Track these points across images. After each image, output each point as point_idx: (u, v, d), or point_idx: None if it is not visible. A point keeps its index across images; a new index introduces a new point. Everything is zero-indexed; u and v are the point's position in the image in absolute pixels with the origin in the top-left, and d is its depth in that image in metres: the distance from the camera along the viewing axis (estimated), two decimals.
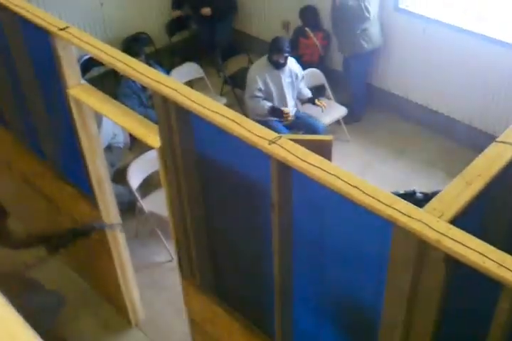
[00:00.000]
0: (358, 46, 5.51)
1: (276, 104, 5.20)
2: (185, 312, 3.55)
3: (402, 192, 3.41)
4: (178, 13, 6.48)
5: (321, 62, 6.01)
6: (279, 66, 5.10)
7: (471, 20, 5.02)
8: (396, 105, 5.94)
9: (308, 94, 5.41)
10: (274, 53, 5.06)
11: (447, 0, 5.12)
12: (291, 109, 5.25)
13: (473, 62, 5.12)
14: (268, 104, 5.14)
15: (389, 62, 5.78)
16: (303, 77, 5.38)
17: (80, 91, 3.14)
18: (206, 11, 6.25)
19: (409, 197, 3.36)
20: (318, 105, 5.28)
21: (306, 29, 5.87)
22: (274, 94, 5.17)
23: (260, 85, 5.10)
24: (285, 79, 5.18)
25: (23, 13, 3.09)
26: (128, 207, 4.62)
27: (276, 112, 5.14)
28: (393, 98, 5.93)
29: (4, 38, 3.48)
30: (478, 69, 5.11)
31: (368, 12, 5.29)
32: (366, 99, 6.00)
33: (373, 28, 5.46)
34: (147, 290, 4.38)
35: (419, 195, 3.43)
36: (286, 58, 5.11)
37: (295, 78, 5.26)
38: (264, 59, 5.19)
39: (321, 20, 5.99)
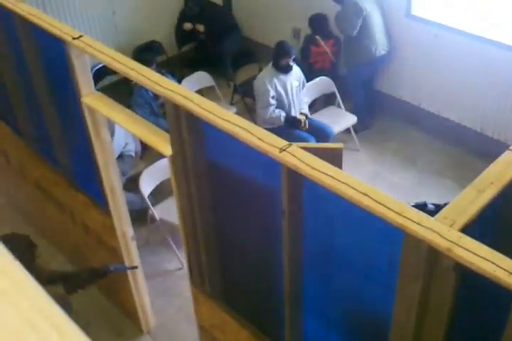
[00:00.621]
0: (351, 59, 5.60)
1: (286, 108, 5.22)
2: (195, 319, 3.56)
3: (412, 204, 3.39)
4: (189, 26, 6.52)
5: (333, 69, 6.02)
6: (288, 69, 5.11)
7: (483, 27, 5.02)
8: (407, 113, 5.93)
9: (304, 110, 5.39)
10: (282, 57, 5.06)
11: (459, 6, 5.12)
12: (298, 113, 5.27)
13: (485, 69, 5.11)
14: (283, 114, 5.16)
15: (400, 69, 5.78)
16: (304, 85, 5.38)
17: (93, 100, 3.17)
18: (188, 26, 6.42)
19: (420, 208, 3.34)
20: (299, 120, 5.24)
21: (317, 37, 5.88)
22: (285, 99, 5.19)
23: (273, 93, 5.11)
24: (293, 83, 5.19)
25: (38, 22, 3.13)
26: (139, 215, 4.64)
27: (293, 121, 5.17)
28: (404, 106, 5.93)
29: (19, 47, 3.52)
30: (491, 76, 5.10)
31: (354, 29, 5.37)
32: (372, 106, 5.99)
33: (367, 42, 5.50)
34: (158, 297, 4.39)
35: (430, 206, 3.41)
36: (293, 61, 5.13)
37: (300, 82, 5.28)
38: (268, 67, 5.20)
39: (331, 27, 6.01)
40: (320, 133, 5.25)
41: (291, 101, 5.22)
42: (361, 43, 5.50)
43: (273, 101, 5.14)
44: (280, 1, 6.41)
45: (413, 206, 3.30)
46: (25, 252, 3.14)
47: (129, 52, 6.12)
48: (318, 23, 5.98)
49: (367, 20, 5.39)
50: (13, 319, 0.83)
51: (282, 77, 5.13)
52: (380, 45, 5.53)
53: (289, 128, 5.11)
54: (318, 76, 5.60)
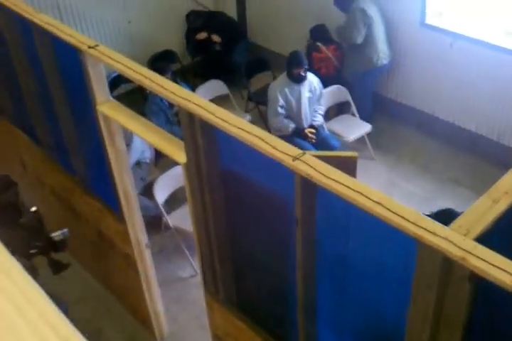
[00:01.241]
0: (352, 67, 5.63)
1: (296, 118, 5.22)
2: (208, 326, 3.55)
3: (427, 213, 3.38)
4: (203, 35, 6.56)
5: (338, 74, 6.03)
6: (300, 80, 5.11)
7: (498, 35, 4.99)
8: (422, 122, 5.91)
9: (318, 122, 5.38)
10: (294, 67, 5.08)
11: (474, 15, 5.10)
12: (306, 126, 5.26)
13: (501, 78, 5.08)
14: (292, 126, 5.17)
15: (415, 78, 5.76)
16: (321, 95, 5.36)
17: (108, 108, 3.20)
18: (202, 35, 6.45)
19: (446, 215, 3.34)
20: (306, 134, 5.24)
21: (318, 44, 5.90)
22: (295, 109, 5.19)
23: (282, 102, 5.12)
24: (305, 94, 5.19)
25: (55, 31, 3.17)
26: (154, 222, 4.67)
27: (301, 133, 5.18)
28: (419, 114, 5.91)
29: (36, 56, 3.56)
30: (507, 85, 5.07)
31: (361, 36, 5.38)
32: (370, 112, 5.98)
33: (368, 50, 5.51)
34: (172, 304, 4.40)
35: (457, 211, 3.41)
36: (305, 71, 5.12)
37: (314, 93, 5.27)
38: (283, 76, 5.23)
39: (331, 35, 6.05)
40: (324, 144, 5.24)
41: (303, 112, 5.23)
42: (363, 52, 5.51)
43: (281, 111, 5.15)
44: (294, 9, 6.44)
45: (438, 212, 3.30)
46: (7, 190, 3.19)
47: (144, 61, 6.16)
48: (318, 32, 6.02)
49: (370, 28, 5.41)
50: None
51: (294, 86, 5.14)
52: (382, 54, 5.54)
53: (294, 138, 5.10)
54: (324, 82, 5.58)
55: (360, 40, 5.42)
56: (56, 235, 3.37)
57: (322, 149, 5.11)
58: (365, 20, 5.35)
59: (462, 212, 3.25)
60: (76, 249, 4.69)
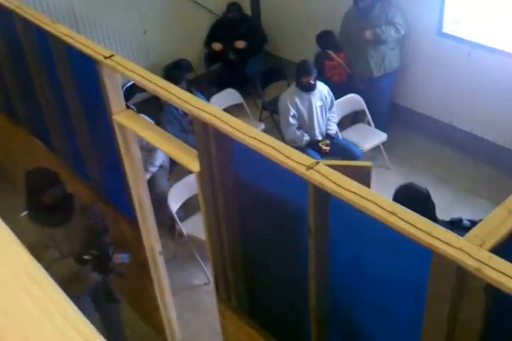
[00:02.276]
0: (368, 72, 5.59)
1: (308, 128, 5.21)
2: (221, 334, 3.55)
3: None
4: (219, 46, 6.59)
5: (351, 81, 6.03)
6: (309, 88, 5.11)
7: None
8: (439, 131, 5.87)
9: (332, 130, 5.37)
10: (303, 75, 5.08)
11: (492, 24, 5.08)
12: (319, 135, 5.25)
13: None
14: (306, 139, 5.17)
15: (433, 87, 5.73)
16: (333, 103, 5.36)
17: (124, 117, 3.22)
18: (217, 46, 6.48)
19: (455, 224, 3.31)
20: (320, 147, 5.22)
21: (329, 51, 5.90)
22: (306, 119, 5.19)
23: (293, 111, 5.13)
24: (316, 103, 5.19)
25: (72, 42, 3.21)
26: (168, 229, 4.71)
27: (315, 145, 5.17)
28: (437, 124, 5.87)
29: (53, 66, 3.60)
30: None
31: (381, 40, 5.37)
32: (388, 119, 5.96)
33: (391, 53, 5.51)
34: (185, 312, 4.40)
35: (466, 222, 3.37)
36: (315, 79, 5.13)
37: (325, 102, 5.27)
38: (292, 86, 5.24)
39: (338, 41, 6.06)
40: (347, 154, 5.23)
41: (315, 121, 5.22)
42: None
43: (293, 121, 5.14)
44: (309, 19, 6.45)
45: (448, 221, 3.27)
46: (54, 186, 3.13)
47: (159, 70, 6.20)
48: (325, 39, 6.02)
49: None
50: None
51: (304, 95, 5.14)
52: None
53: (307, 149, 5.08)
54: (338, 90, 5.57)
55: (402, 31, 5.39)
56: (116, 257, 3.37)
57: (345, 158, 5.10)
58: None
59: (473, 221, 3.24)
60: None
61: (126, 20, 6.08)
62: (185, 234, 4.61)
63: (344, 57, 5.95)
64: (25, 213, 3.25)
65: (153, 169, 4.87)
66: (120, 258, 3.40)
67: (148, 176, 4.71)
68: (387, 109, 5.95)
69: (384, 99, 5.88)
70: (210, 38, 6.69)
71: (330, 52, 5.89)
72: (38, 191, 3.13)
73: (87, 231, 3.28)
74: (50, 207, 3.17)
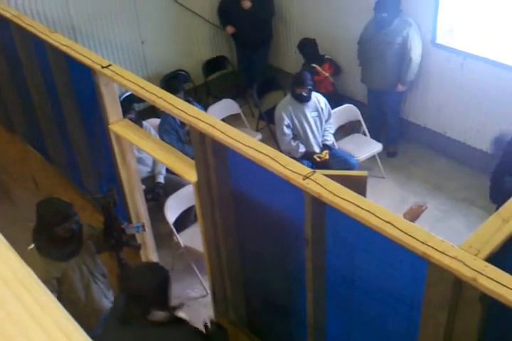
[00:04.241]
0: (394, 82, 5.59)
1: (303, 138, 5.22)
2: None
3: None
4: (231, 29, 6.56)
5: (335, 90, 6.07)
6: (303, 99, 5.14)
7: (509, 55, 5.00)
8: (433, 141, 5.90)
9: (329, 141, 5.39)
10: (297, 86, 5.11)
11: (485, 34, 5.12)
12: (315, 145, 5.26)
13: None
14: (302, 150, 5.19)
15: (426, 97, 5.76)
16: (330, 114, 5.37)
17: (120, 127, 3.23)
18: (247, 4, 6.30)
19: None
20: (315, 158, 5.23)
21: (314, 65, 5.92)
22: (300, 129, 5.21)
23: (288, 121, 5.15)
24: (310, 114, 5.21)
25: (69, 51, 3.22)
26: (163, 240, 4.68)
27: (310, 157, 5.18)
28: (430, 134, 5.89)
29: (50, 75, 3.61)
30: None
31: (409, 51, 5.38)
32: (399, 134, 6.01)
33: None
34: None
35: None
36: (309, 91, 5.15)
37: (322, 113, 5.29)
38: (288, 96, 5.26)
39: (321, 51, 6.10)
40: (344, 164, 5.24)
41: (309, 132, 5.24)
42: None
43: (288, 131, 5.16)
44: (306, 30, 6.49)
45: None
46: (68, 220, 2.97)
47: (157, 80, 6.22)
48: (308, 48, 6.05)
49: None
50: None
51: (299, 106, 5.16)
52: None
53: (303, 161, 5.08)
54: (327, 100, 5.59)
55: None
56: (129, 228, 3.26)
57: (342, 168, 5.10)
58: None
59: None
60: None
61: (124, 30, 6.11)
62: (182, 245, 4.60)
63: (328, 68, 6.02)
64: (32, 246, 3.07)
65: (162, 179, 4.87)
66: (133, 228, 3.29)
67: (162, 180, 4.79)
68: (398, 123, 5.99)
69: (393, 113, 5.92)
70: (223, 17, 6.62)
71: (315, 66, 5.91)
72: (53, 224, 2.98)
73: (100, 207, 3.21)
74: (60, 240, 3.04)
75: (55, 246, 3.04)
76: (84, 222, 3.25)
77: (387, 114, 5.91)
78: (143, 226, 3.32)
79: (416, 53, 5.39)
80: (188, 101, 4.85)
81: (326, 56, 6.12)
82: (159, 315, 2.63)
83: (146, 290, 2.59)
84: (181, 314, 2.82)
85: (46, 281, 2.95)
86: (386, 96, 5.73)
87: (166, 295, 2.66)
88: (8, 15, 3.77)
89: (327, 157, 5.24)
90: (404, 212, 3.33)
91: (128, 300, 2.62)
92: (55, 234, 2.99)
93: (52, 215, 2.97)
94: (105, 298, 3.31)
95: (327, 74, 5.99)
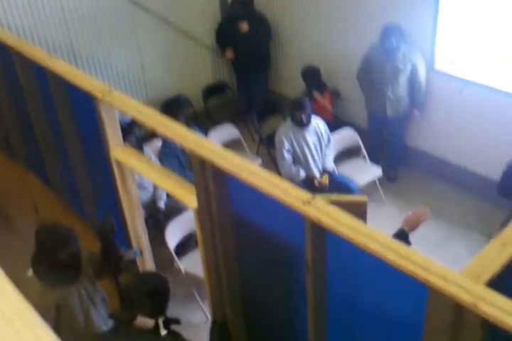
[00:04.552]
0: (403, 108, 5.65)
1: (303, 163, 5.24)
2: None
3: None
4: (231, 53, 6.62)
5: (334, 119, 6.09)
6: (303, 124, 5.16)
7: (507, 81, 5.05)
8: (433, 166, 5.91)
9: (329, 167, 5.40)
10: (297, 111, 5.14)
11: (482, 62, 5.18)
12: (315, 170, 5.27)
13: (510, 123, 5.11)
14: (302, 175, 5.20)
15: (425, 122, 5.80)
16: (330, 139, 5.40)
17: (121, 153, 3.24)
18: (244, 26, 6.35)
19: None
20: (314, 184, 5.22)
21: (314, 93, 5.95)
22: (300, 154, 5.23)
23: (288, 146, 5.17)
24: (310, 138, 5.23)
25: (70, 77, 3.25)
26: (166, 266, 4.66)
27: (310, 183, 5.19)
28: (430, 159, 5.91)
29: (51, 101, 3.64)
30: None
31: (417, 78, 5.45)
32: (400, 159, 6.04)
33: (406, 97, 5.60)
34: None
35: None
36: (309, 116, 5.18)
37: (321, 138, 5.31)
38: (288, 121, 5.29)
39: (323, 78, 6.13)
40: (344, 189, 5.24)
41: (310, 157, 5.25)
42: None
43: (288, 156, 5.18)
44: (306, 55, 6.56)
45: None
46: (68, 245, 2.96)
47: (157, 105, 6.26)
48: (310, 75, 6.09)
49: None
50: None
51: (298, 130, 5.19)
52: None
53: (303, 187, 5.08)
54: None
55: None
56: (127, 253, 3.30)
57: (342, 193, 5.10)
58: None
59: None
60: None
61: (125, 55, 6.18)
62: (183, 271, 4.58)
63: (328, 97, 6.05)
64: (30, 273, 3.06)
65: (162, 205, 4.87)
66: (131, 253, 3.33)
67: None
68: (401, 150, 6.02)
69: (398, 139, 5.95)
70: (221, 41, 6.70)
71: (315, 93, 5.95)
72: (55, 249, 2.96)
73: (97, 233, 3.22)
74: (61, 265, 3.01)
75: (56, 271, 3.02)
76: (83, 248, 3.25)
77: (391, 140, 5.94)
78: (140, 251, 3.34)
79: (424, 77, 5.45)
80: (189, 126, 4.89)
81: (327, 85, 6.14)
82: (145, 322, 2.72)
83: (134, 294, 2.72)
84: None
85: (45, 309, 2.94)
86: (393, 123, 5.76)
87: (155, 303, 2.74)
88: (9, 42, 3.82)
89: (327, 182, 5.25)
90: (404, 219, 3.32)
91: (120, 304, 2.69)
92: (57, 258, 2.97)
93: (54, 240, 2.97)
94: (105, 325, 3.28)
95: (326, 103, 6.02)
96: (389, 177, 5.98)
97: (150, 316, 2.74)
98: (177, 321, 2.92)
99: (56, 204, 4.38)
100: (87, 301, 3.16)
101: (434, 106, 5.65)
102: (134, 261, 3.47)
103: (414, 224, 3.37)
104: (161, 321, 2.77)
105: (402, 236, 3.29)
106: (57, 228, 3.08)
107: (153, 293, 2.74)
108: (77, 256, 3.05)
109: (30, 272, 3.03)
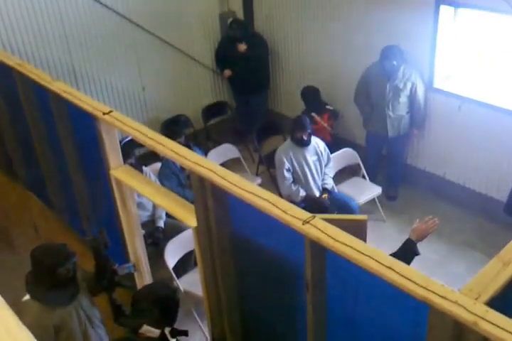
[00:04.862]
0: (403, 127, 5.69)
1: (303, 182, 5.24)
2: None
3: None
4: (229, 72, 6.68)
5: (333, 141, 6.10)
6: (303, 143, 5.18)
7: (505, 98, 5.08)
8: (432, 184, 5.93)
9: (328, 185, 5.42)
10: (298, 130, 5.16)
11: (480, 80, 5.22)
12: (315, 189, 5.27)
13: (509, 140, 5.13)
14: (302, 195, 5.21)
15: (425, 140, 5.83)
16: (329, 158, 5.42)
17: (121, 173, 3.26)
18: (242, 47, 6.43)
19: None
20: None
21: (313, 114, 5.97)
22: (300, 173, 5.24)
23: (288, 165, 5.18)
24: (310, 157, 5.25)
25: (71, 98, 3.28)
26: None
27: (310, 202, 5.19)
28: (429, 177, 5.93)
29: (52, 121, 3.66)
30: None
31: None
32: (401, 177, 6.05)
33: (406, 116, 5.65)
34: None
35: None
36: (309, 135, 5.20)
37: (321, 157, 5.33)
38: (288, 140, 5.32)
39: (323, 98, 6.18)
40: (344, 207, 5.24)
41: (310, 176, 5.26)
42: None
43: (288, 175, 5.19)
44: (305, 75, 6.61)
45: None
46: (67, 262, 2.96)
47: (157, 125, 6.30)
48: (310, 95, 6.12)
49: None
50: None
51: (299, 150, 5.21)
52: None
53: (301, 205, 5.08)
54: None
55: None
56: (122, 268, 3.30)
57: (343, 212, 5.09)
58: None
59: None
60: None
61: (125, 76, 6.22)
62: (182, 290, 4.56)
63: (327, 118, 6.08)
64: (26, 297, 3.03)
65: (162, 224, 4.87)
66: (125, 268, 3.33)
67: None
68: (402, 168, 6.04)
69: (398, 158, 5.98)
70: (220, 62, 6.77)
71: (314, 115, 5.97)
72: (55, 266, 2.94)
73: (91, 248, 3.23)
74: (62, 283, 3.00)
75: (56, 290, 3.01)
76: (81, 267, 3.25)
77: (391, 158, 5.96)
78: (134, 266, 3.35)
79: (423, 97, 5.52)
80: (189, 146, 4.90)
81: (327, 106, 6.18)
82: (150, 331, 2.75)
83: (143, 302, 2.74)
84: None
85: (44, 331, 2.93)
86: (393, 141, 5.79)
87: (164, 313, 2.77)
88: (11, 63, 3.85)
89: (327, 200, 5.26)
90: (412, 229, 3.38)
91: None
92: (58, 276, 2.96)
93: (54, 257, 2.96)
94: None
95: (325, 125, 6.04)
96: (389, 196, 5.99)
97: (157, 326, 2.76)
98: (185, 333, 2.92)
99: (55, 223, 4.37)
100: (85, 320, 3.15)
101: (433, 123, 5.69)
102: (130, 276, 3.46)
103: (421, 234, 3.39)
104: (167, 331, 2.79)
105: (410, 246, 3.33)
106: (53, 246, 3.10)
107: (162, 303, 2.76)
108: (75, 271, 3.06)
109: (26, 297, 3.02)
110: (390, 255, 3.51)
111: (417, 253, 3.27)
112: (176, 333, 2.85)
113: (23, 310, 2.90)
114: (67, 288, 3.04)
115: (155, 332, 2.76)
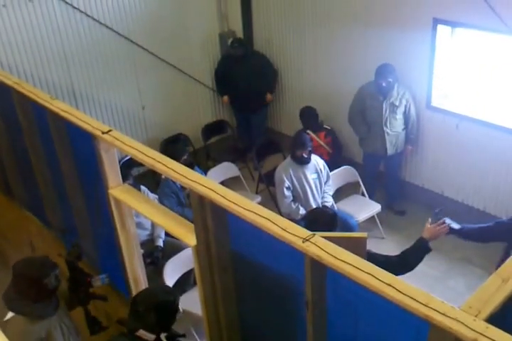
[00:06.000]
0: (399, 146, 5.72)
1: (303, 200, 5.24)
2: None
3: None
4: (226, 99, 6.74)
5: (331, 160, 6.09)
6: (303, 161, 5.19)
7: (503, 116, 5.12)
8: (431, 201, 5.93)
9: (328, 202, 5.43)
10: (298, 148, 5.18)
11: (478, 98, 5.26)
12: (315, 207, 5.27)
13: (507, 157, 5.15)
14: (301, 213, 5.21)
15: (423, 158, 5.85)
16: (328, 176, 5.43)
17: (120, 192, 3.26)
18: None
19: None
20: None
21: (308, 132, 5.99)
22: (300, 191, 5.25)
23: (288, 183, 5.19)
24: (310, 175, 5.26)
25: (70, 118, 3.29)
26: None
27: (313, 216, 5.18)
28: (428, 194, 5.94)
29: (50, 141, 3.67)
30: None
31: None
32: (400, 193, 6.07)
33: (402, 133, 5.69)
34: None
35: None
36: (309, 153, 5.21)
37: (321, 175, 5.34)
38: (288, 158, 5.33)
39: (320, 118, 6.20)
40: (343, 225, 5.23)
41: (310, 194, 5.27)
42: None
43: (288, 193, 5.19)
44: (304, 94, 6.65)
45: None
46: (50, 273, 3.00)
47: (157, 144, 6.31)
48: (308, 115, 6.15)
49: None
50: None
51: (299, 168, 5.22)
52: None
53: (302, 223, 5.08)
54: None
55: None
56: (95, 280, 3.30)
57: (342, 229, 5.09)
58: None
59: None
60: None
61: (125, 95, 6.25)
62: (181, 309, 4.53)
63: (324, 136, 6.11)
64: (9, 316, 3.04)
65: (161, 243, 4.86)
66: (99, 280, 3.32)
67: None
68: (400, 186, 6.06)
69: (396, 173, 6.01)
70: (221, 80, 6.79)
71: (309, 132, 5.99)
72: (42, 276, 2.98)
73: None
74: (47, 294, 3.04)
75: (42, 302, 3.04)
76: None
77: (391, 175, 5.99)
78: (107, 277, 3.35)
79: (415, 113, 5.59)
80: (193, 164, 4.92)
81: (324, 126, 6.21)
82: (145, 335, 2.73)
83: (142, 306, 2.71)
84: None
85: None
86: (390, 158, 5.82)
87: (161, 318, 2.74)
88: (9, 82, 3.88)
89: None
90: (425, 228, 3.62)
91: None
92: (44, 287, 2.99)
93: (39, 269, 3.00)
94: None
95: (321, 142, 6.06)
96: (397, 211, 6.02)
97: (152, 332, 2.73)
98: (183, 335, 2.90)
99: (52, 242, 4.36)
100: (67, 333, 3.18)
101: (431, 141, 5.72)
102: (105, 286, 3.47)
103: (434, 234, 3.56)
104: (163, 336, 2.77)
105: (422, 243, 3.58)
106: (36, 258, 3.19)
107: (159, 308, 2.73)
108: (59, 281, 3.09)
109: (8, 315, 3.03)
110: (402, 252, 3.62)
111: (429, 250, 3.50)
112: (174, 337, 2.83)
113: (8, 328, 2.91)
114: (51, 299, 3.09)
115: (150, 337, 2.74)
